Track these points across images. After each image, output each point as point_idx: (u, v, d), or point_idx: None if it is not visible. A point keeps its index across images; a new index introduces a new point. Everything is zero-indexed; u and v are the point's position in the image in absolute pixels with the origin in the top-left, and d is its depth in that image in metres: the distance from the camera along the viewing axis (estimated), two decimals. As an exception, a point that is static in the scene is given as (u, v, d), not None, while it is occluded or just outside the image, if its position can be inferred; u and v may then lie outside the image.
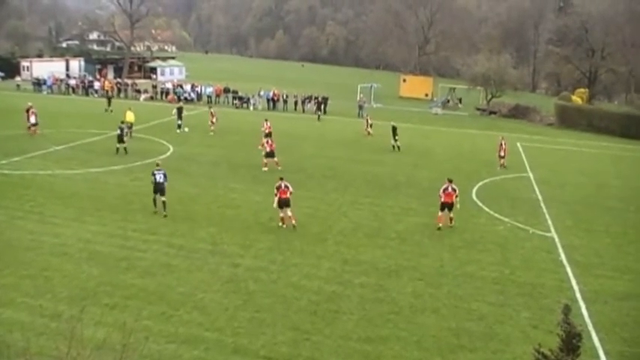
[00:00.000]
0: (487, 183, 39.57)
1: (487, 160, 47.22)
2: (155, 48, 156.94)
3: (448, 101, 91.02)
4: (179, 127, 53.66)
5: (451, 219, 29.49)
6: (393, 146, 48.88)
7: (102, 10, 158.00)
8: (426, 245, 27.00)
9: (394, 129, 49.35)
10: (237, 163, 41.80)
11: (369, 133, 56.16)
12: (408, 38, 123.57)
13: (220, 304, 20.35)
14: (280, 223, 28.46)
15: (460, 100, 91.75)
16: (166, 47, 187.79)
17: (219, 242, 26.20)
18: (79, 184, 35.10)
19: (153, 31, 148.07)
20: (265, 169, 39.42)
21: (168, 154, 44.11)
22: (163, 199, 30.01)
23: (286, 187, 28.35)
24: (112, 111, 60.81)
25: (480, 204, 34.28)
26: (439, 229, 28.93)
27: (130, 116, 49.09)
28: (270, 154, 39.83)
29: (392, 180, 38.88)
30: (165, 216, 29.27)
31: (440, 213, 29.26)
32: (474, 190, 37.07)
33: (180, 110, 54.76)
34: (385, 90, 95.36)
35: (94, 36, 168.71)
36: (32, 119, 47.86)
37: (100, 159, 41.11)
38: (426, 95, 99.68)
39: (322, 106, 73.48)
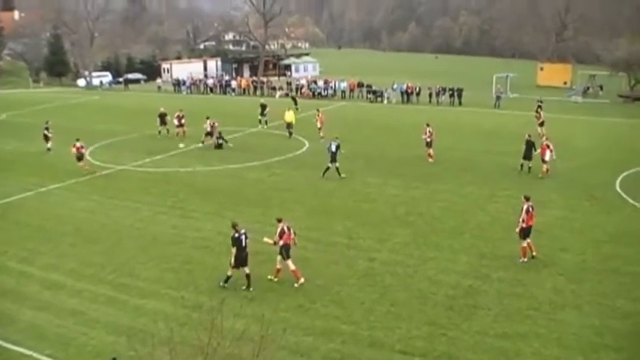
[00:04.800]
0: (633, 173, 37.59)
1: (633, 148, 45.03)
2: (289, 45, 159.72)
3: (588, 89, 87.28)
4: (260, 122, 54.99)
5: (525, 250, 23.71)
6: (522, 165, 37.61)
7: (236, 11, 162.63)
8: (566, 239, 26.03)
9: (529, 144, 37.24)
10: (373, 157, 41.84)
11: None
12: (545, 24, 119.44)
13: (356, 298, 20.49)
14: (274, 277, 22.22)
15: (601, 88, 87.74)
16: (300, 44, 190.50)
17: (355, 236, 26.37)
18: (218, 180, 36.31)
19: (286, 29, 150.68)
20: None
21: (304, 149, 44.83)
22: (337, 165, 35.90)
23: (289, 229, 21.93)
24: (297, 108, 61.56)
25: (625, 195, 32.66)
26: (533, 257, 23.59)
27: (289, 116, 49.84)
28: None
29: (530, 172, 37.65)
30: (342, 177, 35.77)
31: (525, 242, 23.51)
32: (618, 181, 35.34)
33: (263, 107, 55.69)
34: (521, 79, 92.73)
35: (229, 36, 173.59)
36: (182, 122, 50.19)
37: (239, 155, 42.31)
38: (565, 83, 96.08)
39: (459, 98, 72.64)
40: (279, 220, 21.80)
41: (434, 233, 26.80)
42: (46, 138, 45.18)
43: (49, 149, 44.76)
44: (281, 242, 21.49)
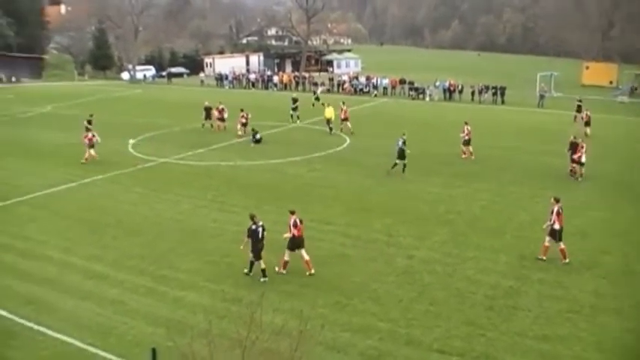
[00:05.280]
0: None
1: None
2: (331, 41, 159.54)
3: (635, 89, 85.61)
4: (292, 117, 55.67)
5: (564, 252, 23.24)
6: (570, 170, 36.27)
7: (279, 6, 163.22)
8: (608, 241, 25.58)
9: (573, 146, 36.37)
10: (413, 154, 41.38)
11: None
12: (590, 23, 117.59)
13: (394, 295, 20.44)
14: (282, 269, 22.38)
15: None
16: (342, 40, 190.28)
17: (394, 233, 26.29)
18: (259, 175, 36.50)
19: (329, 25, 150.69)
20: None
21: (345, 145, 44.83)
22: (404, 162, 36.03)
23: (301, 222, 22.19)
24: (323, 104, 60.04)
25: (670, 198, 32.09)
26: (543, 259, 23.32)
27: (328, 112, 50.19)
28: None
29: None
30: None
31: (562, 244, 23.14)
32: (664, 183, 34.72)
33: (294, 100, 56.56)
34: (565, 78, 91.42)
35: (272, 31, 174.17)
36: (224, 115, 50.77)
37: (280, 150, 42.51)
38: (611, 83, 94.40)
39: (501, 96, 71.92)
40: (292, 212, 22.01)
41: (474, 232, 26.59)
42: (88, 130, 45.82)
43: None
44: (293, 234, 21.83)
